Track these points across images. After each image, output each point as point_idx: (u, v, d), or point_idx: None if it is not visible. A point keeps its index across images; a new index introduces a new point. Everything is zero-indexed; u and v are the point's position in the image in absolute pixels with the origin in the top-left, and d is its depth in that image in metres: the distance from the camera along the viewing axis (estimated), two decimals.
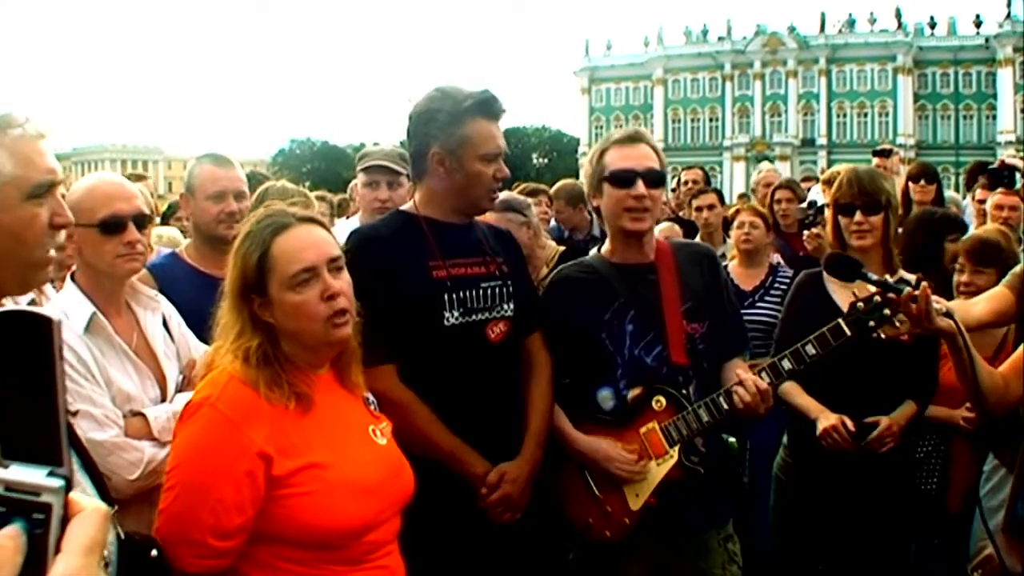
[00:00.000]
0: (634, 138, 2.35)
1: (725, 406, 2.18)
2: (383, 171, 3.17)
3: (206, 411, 1.54)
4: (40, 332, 0.59)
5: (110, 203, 2.00)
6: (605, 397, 2.28)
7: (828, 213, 3.70)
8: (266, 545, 1.54)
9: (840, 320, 2.21)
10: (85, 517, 0.59)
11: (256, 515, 1.51)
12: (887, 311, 2.15)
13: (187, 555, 1.47)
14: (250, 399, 1.54)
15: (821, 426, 2.57)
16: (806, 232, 3.91)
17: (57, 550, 0.57)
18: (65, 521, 0.58)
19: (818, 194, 4.64)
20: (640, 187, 2.25)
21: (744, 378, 2.17)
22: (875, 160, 5.52)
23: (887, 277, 2.33)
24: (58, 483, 0.58)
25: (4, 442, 0.59)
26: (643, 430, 2.24)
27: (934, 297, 2.02)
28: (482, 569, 2.08)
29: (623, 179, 2.27)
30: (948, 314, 2.01)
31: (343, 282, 1.65)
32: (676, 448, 2.22)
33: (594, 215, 4.46)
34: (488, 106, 2.17)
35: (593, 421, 2.28)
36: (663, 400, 2.23)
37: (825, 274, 2.77)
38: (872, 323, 2.17)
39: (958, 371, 2.08)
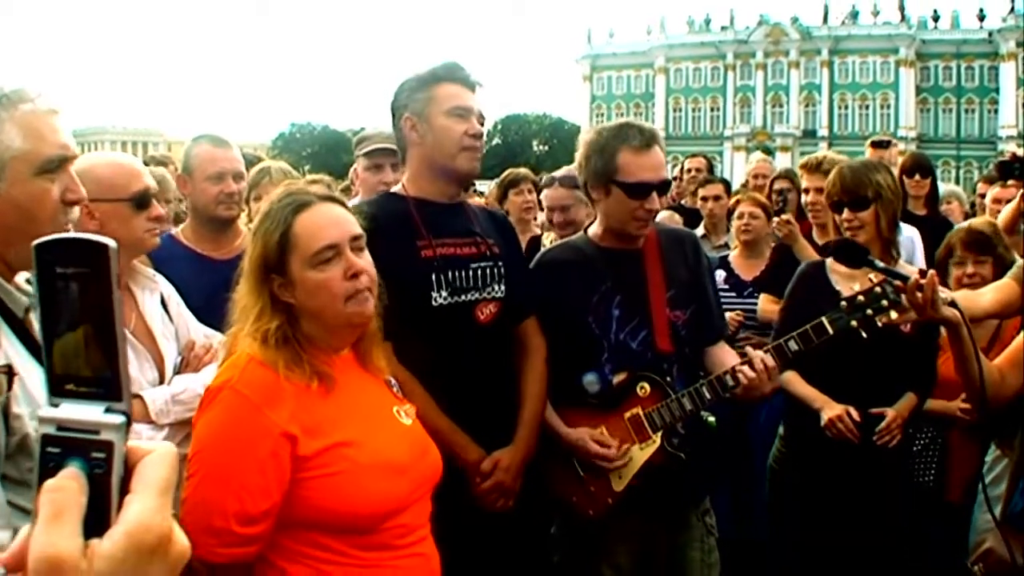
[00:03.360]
0: (650, 143, 2.27)
1: (708, 396, 2.20)
2: (386, 154, 3.15)
3: (226, 394, 1.49)
4: (96, 259, 0.53)
5: (141, 178, 1.98)
6: (591, 382, 2.28)
7: (807, 199, 3.69)
8: (292, 531, 1.48)
9: (823, 318, 2.19)
10: (157, 457, 0.55)
11: (283, 499, 1.45)
12: (885, 302, 2.14)
13: (213, 544, 1.41)
14: (270, 380, 1.48)
15: (826, 416, 2.56)
16: (775, 219, 3.84)
17: (123, 491, 0.53)
18: (127, 460, 0.54)
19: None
20: (654, 200, 2.26)
21: (752, 355, 2.17)
22: (871, 151, 5.45)
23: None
24: (118, 419, 0.53)
25: (56, 379, 0.54)
26: (627, 415, 2.25)
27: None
28: (465, 544, 2.07)
29: (641, 191, 2.24)
30: (953, 303, 2.00)
31: (366, 261, 1.62)
32: (659, 434, 2.24)
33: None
34: (453, 72, 2.20)
35: (579, 405, 2.29)
36: (647, 387, 2.25)
37: (828, 264, 2.76)
38: (871, 311, 2.16)
39: (957, 362, 2.08)
